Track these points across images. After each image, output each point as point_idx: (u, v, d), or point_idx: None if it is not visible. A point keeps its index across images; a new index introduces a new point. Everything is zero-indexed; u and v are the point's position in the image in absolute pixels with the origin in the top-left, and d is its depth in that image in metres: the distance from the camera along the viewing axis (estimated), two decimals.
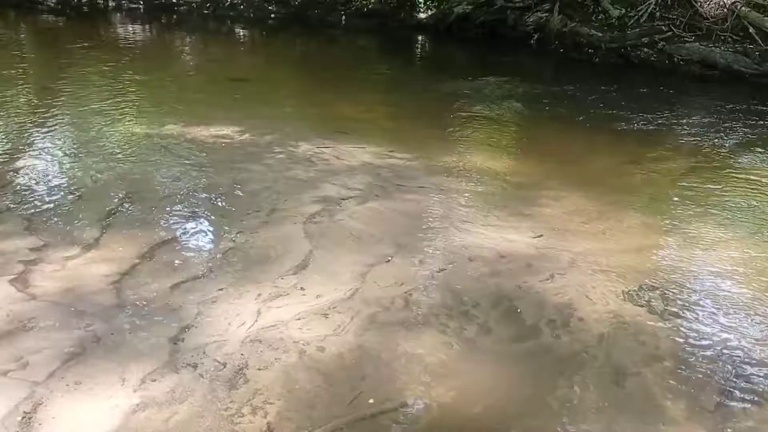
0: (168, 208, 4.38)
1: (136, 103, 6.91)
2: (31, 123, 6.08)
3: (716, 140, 6.48)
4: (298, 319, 3.17)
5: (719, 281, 3.73)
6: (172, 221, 4.21)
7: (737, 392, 2.85)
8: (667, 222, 4.52)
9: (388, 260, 3.80)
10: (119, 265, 3.57)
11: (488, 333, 3.19)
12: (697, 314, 3.40)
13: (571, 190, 4.93)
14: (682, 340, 3.17)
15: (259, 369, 2.81)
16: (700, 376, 2.94)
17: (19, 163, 5.01)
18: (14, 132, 5.81)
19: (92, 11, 14.25)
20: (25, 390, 2.63)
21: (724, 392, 2.85)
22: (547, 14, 11.36)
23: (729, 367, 3.00)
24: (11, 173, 4.80)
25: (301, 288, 3.45)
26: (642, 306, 3.42)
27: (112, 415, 2.53)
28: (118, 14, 14.13)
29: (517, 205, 4.67)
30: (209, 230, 4.15)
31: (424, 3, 13.21)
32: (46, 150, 5.42)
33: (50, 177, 4.80)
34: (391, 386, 2.79)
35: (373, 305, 3.33)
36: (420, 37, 13.04)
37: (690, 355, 3.08)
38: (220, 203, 4.50)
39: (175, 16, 14.17)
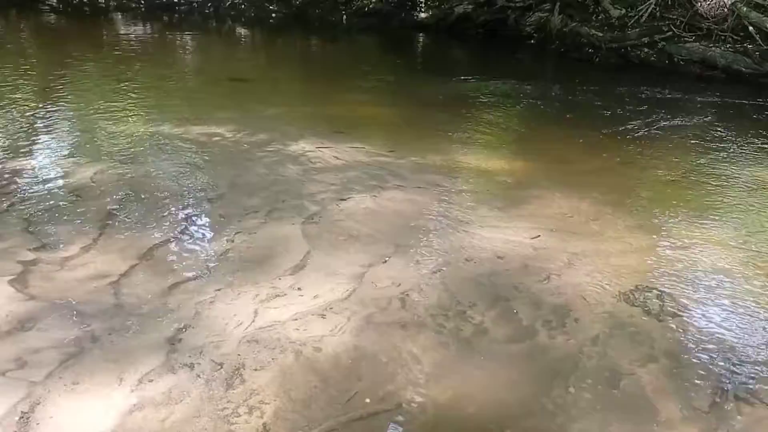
0: (166, 209, 4.40)
1: (136, 103, 6.92)
2: (31, 123, 6.11)
3: (715, 141, 6.48)
4: (295, 319, 3.19)
5: (715, 282, 3.74)
6: (170, 222, 4.23)
7: (732, 393, 2.86)
8: (664, 223, 4.53)
9: (386, 261, 3.82)
10: (118, 266, 3.59)
11: (484, 333, 3.21)
12: (692, 315, 3.41)
13: (569, 191, 4.94)
14: (677, 341, 3.19)
15: (255, 369, 2.83)
16: (695, 376, 2.96)
17: (19, 163, 5.03)
18: (14, 132, 5.83)
19: (93, 11, 14.28)
20: (23, 390, 2.65)
21: (719, 393, 2.86)
22: (547, 14, 11.38)
23: (724, 367, 3.02)
24: (11, 173, 4.82)
25: (299, 288, 3.46)
26: (637, 306, 3.44)
27: (109, 415, 2.55)
28: (120, 14, 14.16)
29: (514, 206, 4.68)
30: (208, 231, 4.17)
31: (425, 3, 13.22)
32: (45, 150, 5.44)
33: (49, 177, 4.82)
34: (387, 386, 2.81)
35: (370, 306, 3.35)
36: (421, 37, 13.05)
37: (685, 355, 3.09)
38: (218, 203, 4.52)
39: (176, 16, 14.19)
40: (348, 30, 13.44)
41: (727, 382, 2.93)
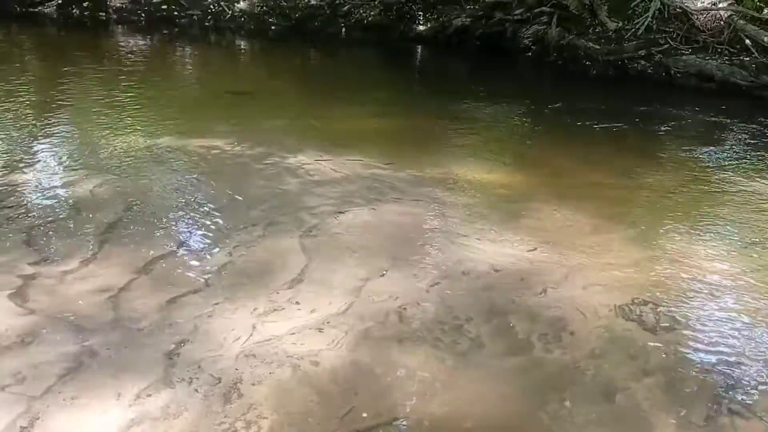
0: (165, 222, 4.43)
1: (136, 116, 6.96)
2: (30, 136, 6.14)
3: (712, 153, 6.52)
4: (293, 333, 3.20)
5: (711, 296, 3.76)
6: (169, 235, 4.25)
7: (726, 407, 2.88)
8: (660, 236, 4.55)
9: (383, 274, 3.84)
10: (117, 280, 3.61)
11: (481, 347, 3.23)
12: (688, 329, 3.43)
13: (565, 204, 4.97)
14: (672, 355, 3.21)
15: (253, 384, 2.85)
16: (690, 390, 2.98)
17: (18, 177, 5.05)
18: (14, 145, 5.86)
19: (93, 23, 14.35)
20: (22, 405, 2.66)
21: (714, 407, 2.88)
22: (545, 27, 11.45)
23: (719, 381, 3.04)
24: (10, 186, 4.84)
25: (296, 302, 3.48)
26: (633, 320, 3.46)
27: (107, 430, 2.56)
28: (119, 26, 14.23)
29: (511, 219, 4.71)
30: (206, 244, 4.19)
31: (424, 15, 13.30)
32: (44, 163, 5.46)
33: (49, 190, 4.85)
34: (384, 401, 2.83)
35: (368, 320, 3.37)
36: (419, 49, 13.12)
37: (680, 369, 3.11)
38: (217, 217, 4.54)
39: (176, 29, 14.26)
40: (347, 43, 13.51)
41: (723, 396, 2.94)
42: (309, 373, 2.94)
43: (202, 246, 4.17)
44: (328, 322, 3.32)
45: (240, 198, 4.86)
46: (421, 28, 13.21)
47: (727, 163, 6.18)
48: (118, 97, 7.78)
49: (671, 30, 10.26)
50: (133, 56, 11.50)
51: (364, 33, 13.52)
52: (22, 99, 7.51)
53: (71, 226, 4.30)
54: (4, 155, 5.55)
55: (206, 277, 3.74)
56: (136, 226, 4.33)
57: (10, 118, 6.66)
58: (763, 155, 6.48)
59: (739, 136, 7.16)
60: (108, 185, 4.96)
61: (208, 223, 4.46)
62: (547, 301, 3.63)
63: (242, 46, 13.68)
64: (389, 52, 12.95)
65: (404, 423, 2.71)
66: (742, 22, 9.83)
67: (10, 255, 3.84)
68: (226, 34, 13.98)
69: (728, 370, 3.11)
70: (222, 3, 14.41)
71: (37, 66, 10.48)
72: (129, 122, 6.71)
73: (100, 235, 4.14)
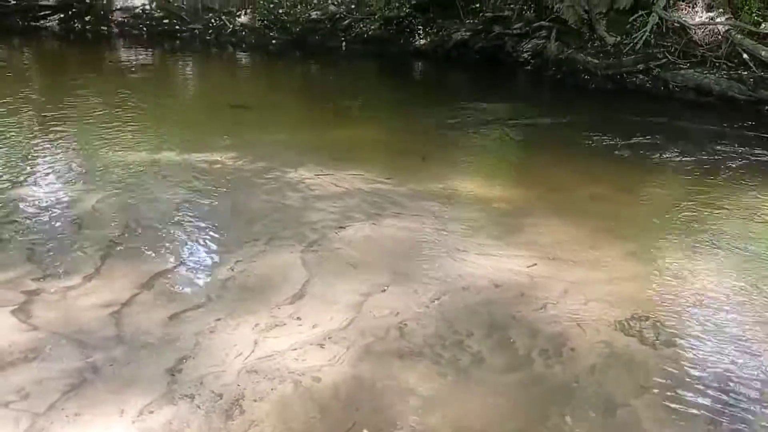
0: (167, 237, 4.45)
1: (138, 131, 7.00)
2: (32, 151, 6.17)
3: (710, 168, 6.55)
4: (294, 349, 3.22)
5: (711, 312, 3.78)
6: (171, 250, 4.28)
7: (726, 423, 2.89)
8: (660, 251, 4.57)
9: (384, 290, 3.86)
10: (119, 295, 3.63)
11: (481, 363, 3.25)
12: (688, 344, 3.45)
13: (565, 219, 4.99)
14: (672, 371, 3.22)
15: (255, 400, 2.86)
16: (690, 406, 2.99)
17: (21, 192, 5.08)
18: (15, 160, 5.89)
19: (95, 37, 14.44)
20: (26, 421, 2.68)
21: (714, 423, 2.89)
22: (544, 41, 11.52)
23: (719, 398, 3.05)
24: (13, 202, 4.87)
25: (298, 318, 3.50)
26: (633, 336, 3.48)
27: None
28: (121, 40, 14.32)
29: (511, 234, 4.73)
30: (208, 259, 4.21)
31: (424, 30, 13.38)
32: (47, 179, 5.48)
33: (51, 206, 4.87)
34: (385, 416, 2.84)
35: (369, 335, 3.39)
36: (419, 63, 13.19)
37: (680, 385, 3.12)
38: (219, 232, 4.57)
39: (177, 42, 14.36)
40: (347, 57, 13.58)
41: (722, 412, 2.95)
42: (311, 388, 2.96)
43: (203, 261, 4.20)
44: (329, 338, 3.34)
45: (242, 212, 4.89)
46: (421, 42, 13.28)
47: (726, 178, 6.21)
48: (119, 111, 7.82)
49: (669, 44, 10.32)
50: (134, 70, 11.56)
51: (364, 47, 13.60)
52: (24, 114, 7.55)
53: (74, 241, 4.32)
54: (7, 171, 5.58)
55: (208, 292, 3.76)
56: (138, 241, 4.36)
57: (13, 133, 6.70)
58: (763, 170, 6.50)
59: (738, 151, 7.18)
60: (110, 200, 4.99)
61: (210, 238, 4.49)
62: (547, 316, 3.65)
63: (243, 60, 13.75)
64: (389, 66, 13.03)
65: None
66: (739, 36, 9.89)
67: (13, 271, 3.86)
68: (227, 48, 14.07)
69: (728, 386, 3.12)
70: (223, 17, 14.52)
71: (39, 80, 10.54)
72: (131, 137, 6.75)
73: (103, 251, 4.16)
